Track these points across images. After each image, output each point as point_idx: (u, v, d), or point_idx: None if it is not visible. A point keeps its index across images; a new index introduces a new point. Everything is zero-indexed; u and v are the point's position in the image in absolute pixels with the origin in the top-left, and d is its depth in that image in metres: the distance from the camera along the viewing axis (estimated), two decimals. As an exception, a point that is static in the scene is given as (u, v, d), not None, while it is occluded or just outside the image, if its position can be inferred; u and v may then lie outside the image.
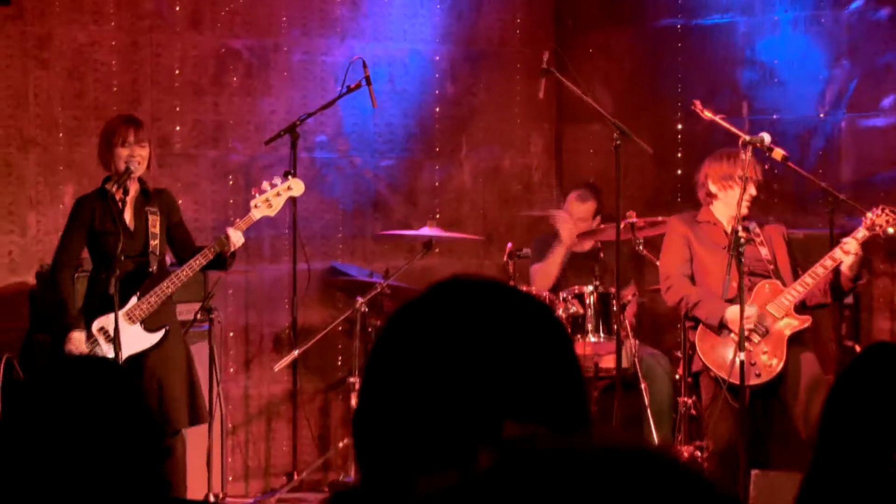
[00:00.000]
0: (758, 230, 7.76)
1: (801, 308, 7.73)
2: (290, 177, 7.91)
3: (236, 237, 7.68)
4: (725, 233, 7.69)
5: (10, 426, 3.28)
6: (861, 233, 7.52)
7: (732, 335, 7.55)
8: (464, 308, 1.75)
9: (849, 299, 8.61)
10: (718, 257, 7.69)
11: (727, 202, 7.73)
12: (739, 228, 7.36)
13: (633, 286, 9.34)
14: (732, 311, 7.52)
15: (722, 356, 7.69)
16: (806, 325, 7.65)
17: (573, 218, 9.27)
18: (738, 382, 7.52)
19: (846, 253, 7.49)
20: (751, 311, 7.56)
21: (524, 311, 1.77)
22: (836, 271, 7.61)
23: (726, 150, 7.87)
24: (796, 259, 7.95)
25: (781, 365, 7.59)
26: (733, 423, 7.45)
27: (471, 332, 1.71)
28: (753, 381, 7.48)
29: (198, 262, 7.62)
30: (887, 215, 7.50)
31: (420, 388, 1.69)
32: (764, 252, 7.73)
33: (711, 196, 7.88)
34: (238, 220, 7.75)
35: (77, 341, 7.46)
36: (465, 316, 1.73)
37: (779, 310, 7.61)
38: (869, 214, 7.56)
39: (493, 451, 1.66)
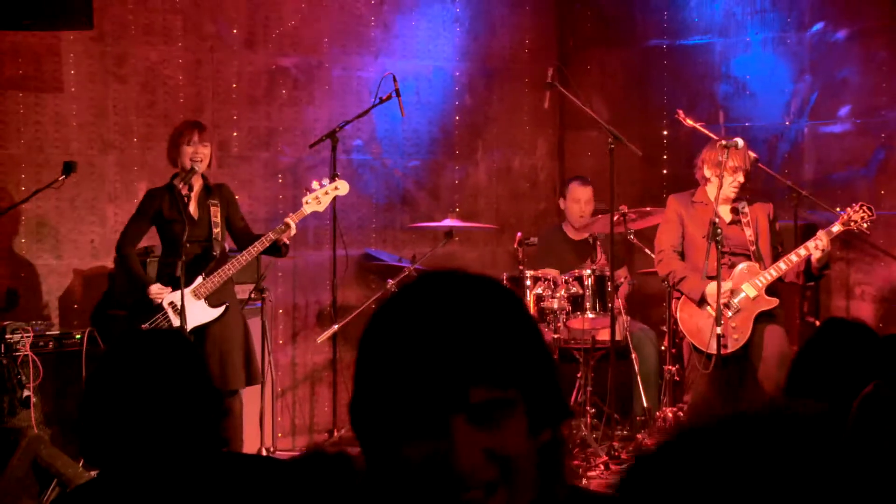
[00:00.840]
0: (746, 210, 7.74)
1: (771, 288, 7.69)
2: (337, 178, 7.92)
3: (292, 227, 7.70)
4: (715, 213, 7.64)
5: (94, 389, 3.29)
6: (836, 227, 7.47)
7: (709, 309, 7.55)
8: (430, 293, 1.75)
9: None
10: (702, 238, 7.66)
11: (716, 186, 7.66)
12: (717, 220, 7.34)
13: (626, 269, 9.34)
14: (711, 288, 7.51)
15: (696, 326, 7.70)
16: (773, 306, 7.62)
17: (579, 201, 9.29)
18: (705, 349, 7.55)
19: (816, 248, 7.45)
20: (726, 287, 7.55)
21: (483, 291, 1.76)
22: (808, 260, 7.57)
23: (716, 140, 7.82)
24: (778, 236, 7.88)
25: (745, 339, 7.57)
26: (709, 384, 7.45)
27: (434, 313, 1.70)
28: (714, 350, 7.47)
29: (256, 248, 7.64)
30: (864, 212, 7.44)
31: (395, 366, 1.69)
32: (748, 233, 7.70)
33: (706, 179, 7.84)
34: (291, 213, 7.76)
35: (157, 293, 7.50)
36: (429, 299, 1.73)
37: (752, 289, 7.58)
38: (848, 210, 7.51)
39: (464, 416, 1.67)
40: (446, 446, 1.68)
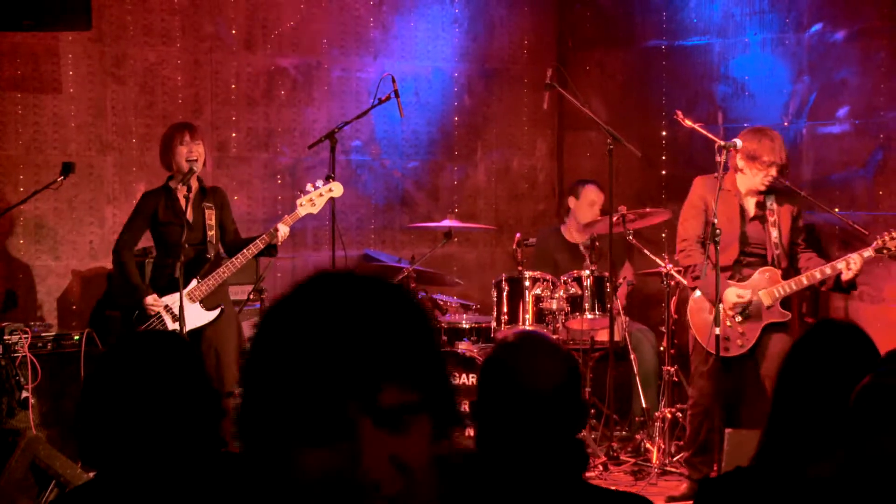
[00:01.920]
0: (774, 206, 7.59)
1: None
2: (331, 180, 7.92)
3: (284, 231, 7.70)
4: (740, 204, 7.55)
5: (93, 390, 3.31)
6: (868, 252, 7.35)
7: (721, 308, 7.44)
8: (332, 292, 1.67)
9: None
10: (728, 228, 7.50)
11: (748, 177, 7.56)
12: (715, 221, 7.29)
13: (629, 268, 9.34)
14: (729, 292, 7.42)
15: (704, 321, 7.61)
16: (785, 319, 7.50)
17: (594, 204, 9.26)
18: (709, 347, 7.49)
19: (849, 269, 7.32)
20: (745, 295, 7.45)
21: (385, 292, 1.68)
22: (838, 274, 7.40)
23: (760, 128, 7.66)
24: (798, 233, 7.73)
25: (749, 346, 7.49)
26: (713, 380, 7.42)
27: (341, 311, 1.62)
28: (722, 354, 7.41)
29: (250, 251, 7.63)
30: None
31: (298, 365, 1.58)
32: (774, 233, 7.54)
33: (738, 168, 7.65)
34: (286, 215, 7.76)
35: (151, 302, 7.51)
36: (334, 297, 1.65)
37: (768, 298, 7.47)
38: (885, 234, 7.35)
39: (371, 420, 1.57)
40: (351, 453, 1.57)
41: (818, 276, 7.36)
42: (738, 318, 7.48)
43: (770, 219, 7.56)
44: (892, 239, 7.29)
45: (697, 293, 7.69)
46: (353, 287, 1.67)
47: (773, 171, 7.48)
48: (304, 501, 1.60)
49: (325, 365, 1.57)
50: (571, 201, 9.54)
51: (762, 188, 7.50)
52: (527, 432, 2.91)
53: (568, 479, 2.95)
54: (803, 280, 7.40)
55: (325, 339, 1.59)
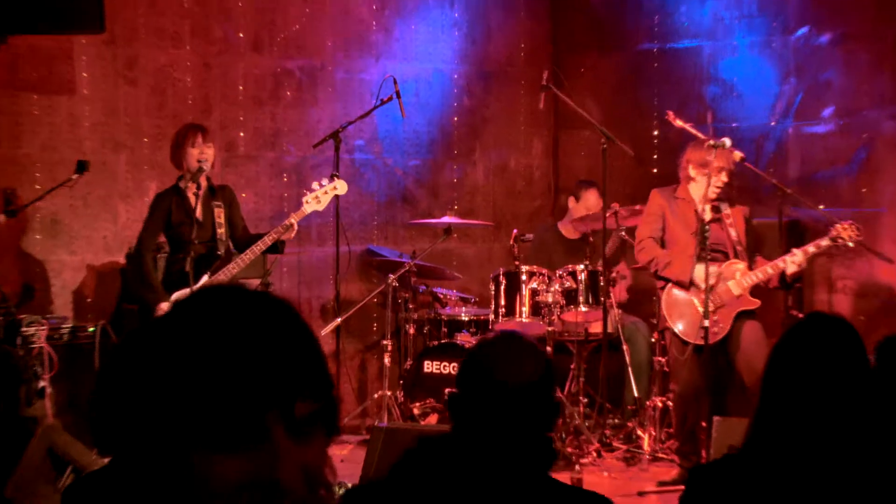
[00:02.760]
0: (728, 210, 7.69)
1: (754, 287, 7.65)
2: (335, 178, 7.93)
3: (295, 227, 7.72)
4: (695, 211, 7.61)
5: (107, 382, 3.31)
6: (825, 241, 7.39)
7: (695, 300, 7.50)
8: (242, 314, 1.67)
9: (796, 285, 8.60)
10: (685, 233, 7.60)
11: (701, 185, 7.63)
12: (706, 219, 7.33)
13: (624, 265, 9.35)
14: (699, 270, 7.46)
15: (680, 313, 7.67)
16: (754, 307, 7.56)
17: (591, 210, 9.28)
18: (686, 338, 7.55)
19: (793, 265, 7.39)
20: (714, 270, 7.49)
21: (281, 307, 1.69)
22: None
23: (705, 139, 7.76)
24: (754, 237, 7.82)
25: (724, 333, 7.53)
26: (692, 371, 7.44)
27: (258, 327, 1.64)
28: (699, 342, 7.46)
29: (258, 247, 7.65)
30: (853, 230, 7.35)
31: (223, 379, 1.59)
32: (733, 233, 7.64)
33: (689, 178, 7.76)
34: (292, 213, 7.77)
35: (164, 310, 7.51)
36: (243, 313, 1.66)
37: (737, 288, 7.54)
38: (837, 226, 7.40)
39: (283, 429, 1.58)
40: (268, 459, 1.58)
41: (769, 270, 7.44)
42: (712, 306, 7.48)
43: (727, 221, 7.64)
44: (845, 229, 7.34)
45: (673, 289, 7.74)
46: (263, 306, 1.67)
47: (724, 177, 7.55)
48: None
49: (249, 377, 1.58)
50: (571, 201, 9.55)
51: (714, 195, 7.57)
52: (499, 426, 2.94)
53: (535, 474, 2.98)
54: (768, 269, 7.46)
55: (250, 355, 1.59)
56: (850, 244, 7.41)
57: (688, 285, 7.59)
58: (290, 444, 1.59)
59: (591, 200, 9.37)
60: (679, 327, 7.65)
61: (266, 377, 1.59)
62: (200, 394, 1.59)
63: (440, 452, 2.98)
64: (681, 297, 7.67)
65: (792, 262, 7.39)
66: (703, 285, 7.40)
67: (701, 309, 7.42)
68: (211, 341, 1.61)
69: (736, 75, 9.68)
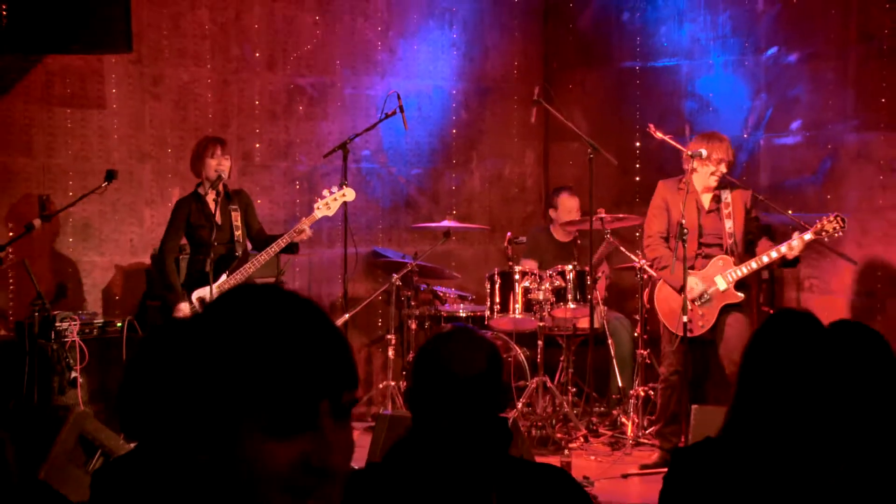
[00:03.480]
0: (728, 200, 7.59)
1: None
2: (344, 186, 7.93)
3: (308, 231, 7.71)
4: (696, 201, 7.56)
5: (133, 371, 3.31)
6: (808, 235, 7.36)
7: (691, 297, 7.47)
8: (296, 308, 1.65)
9: (765, 275, 8.59)
10: (688, 223, 7.51)
11: (701, 175, 7.57)
12: (683, 222, 7.30)
13: (606, 265, 9.34)
14: (690, 281, 7.41)
15: (670, 308, 7.65)
16: (739, 300, 7.52)
17: (571, 210, 9.27)
18: (675, 330, 7.55)
19: (792, 249, 7.34)
20: (700, 287, 7.46)
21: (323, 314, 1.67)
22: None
23: (708, 133, 7.67)
24: (752, 223, 7.71)
25: (709, 325, 7.51)
26: (679, 359, 7.42)
27: (316, 325, 1.63)
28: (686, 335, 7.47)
29: (273, 249, 7.65)
30: (837, 223, 7.32)
31: (289, 369, 1.58)
32: (728, 225, 7.54)
33: (692, 169, 7.59)
34: (304, 218, 7.77)
35: (183, 310, 7.53)
36: (303, 314, 1.65)
37: (723, 282, 7.49)
38: (823, 219, 7.36)
39: (332, 417, 1.60)
40: (320, 442, 1.58)
41: (765, 259, 7.41)
42: (699, 303, 7.49)
43: (725, 211, 7.58)
44: (830, 222, 7.31)
45: (660, 290, 7.74)
46: (310, 306, 1.67)
47: (723, 168, 7.51)
48: (265, 492, 1.59)
49: (310, 367, 1.58)
50: (552, 212, 9.57)
51: (714, 184, 7.54)
52: (452, 414, 2.94)
53: (493, 453, 2.98)
54: (753, 264, 7.44)
55: (309, 346, 1.59)
56: (837, 236, 7.37)
57: (679, 292, 7.51)
58: (337, 429, 1.60)
59: (565, 203, 9.38)
60: (666, 319, 7.65)
61: (324, 368, 1.59)
62: (265, 383, 1.57)
63: (412, 440, 2.99)
64: (669, 292, 7.65)
65: (791, 246, 7.32)
66: (691, 295, 7.40)
67: (693, 305, 7.42)
68: (273, 333, 1.60)
69: (711, 91, 9.67)
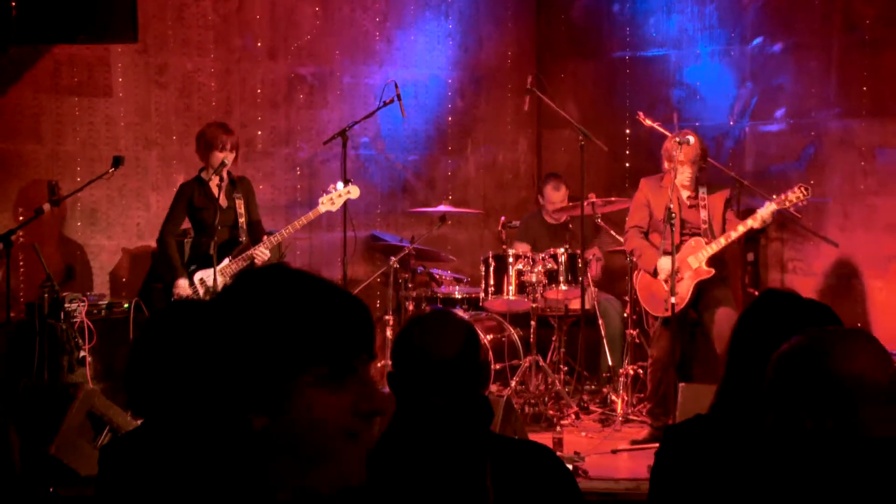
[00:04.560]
0: (704, 196, 7.64)
1: (718, 258, 7.61)
2: (350, 183, 7.92)
3: (263, 255, 7.64)
4: (677, 197, 7.58)
5: (139, 350, 3.32)
6: (772, 206, 7.38)
7: (661, 278, 7.52)
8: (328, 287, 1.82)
9: (750, 257, 8.60)
10: (662, 219, 7.55)
11: (678, 174, 7.60)
12: (671, 206, 7.31)
13: (597, 248, 9.33)
14: (662, 262, 7.48)
15: (650, 292, 7.70)
16: (710, 276, 7.53)
17: (557, 197, 9.26)
18: (654, 313, 7.63)
19: (755, 221, 7.37)
20: (675, 263, 7.52)
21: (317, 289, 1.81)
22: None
23: (677, 134, 7.69)
24: (731, 216, 7.73)
25: (685, 303, 7.53)
26: (667, 341, 7.43)
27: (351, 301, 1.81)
28: (661, 314, 7.52)
29: (276, 238, 7.69)
30: (800, 192, 7.34)
31: (340, 334, 1.76)
32: (703, 215, 7.60)
33: (667, 170, 7.69)
34: (310, 212, 7.77)
35: (182, 286, 7.52)
36: (333, 290, 1.82)
37: (695, 261, 7.53)
38: (787, 193, 7.39)
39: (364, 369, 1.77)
40: (365, 390, 1.74)
41: (733, 234, 7.44)
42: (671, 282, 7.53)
43: (700, 204, 7.61)
44: (794, 192, 7.33)
45: (638, 277, 7.81)
46: (332, 285, 1.84)
47: (688, 171, 7.53)
48: (329, 441, 1.73)
49: (356, 326, 1.78)
50: (540, 199, 9.55)
51: (686, 182, 7.56)
52: (433, 394, 2.94)
53: (475, 430, 2.97)
54: (722, 240, 7.47)
55: (355, 311, 1.80)
56: (801, 204, 7.39)
57: (653, 275, 7.60)
58: (370, 381, 1.77)
59: (549, 196, 9.34)
60: (646, 303, 7.70)
61: (363, 326, 1.79)
62: (323, 339, 1.73)
63: (397, 422, 2.99)
64: (647, 278, 7.70)
65: (754, 218, 7.35)
66: (664, 275, 7.45)
67: (666, 287, 7.44)
68: (321, 298, 1.78)
69: (699, 80, 9.65)
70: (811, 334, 2.63)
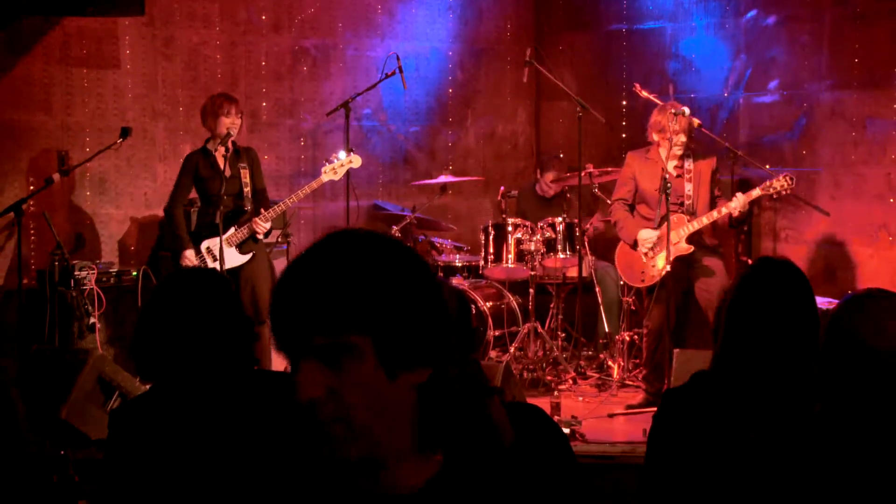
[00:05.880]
0: (690, 167, 7.60)
1: (709, 230, 7.61)
2: (351, 153, 7.89)
3: (262, 227, 7.60)
4: (663, 169, 7.55)
5: (147, 317, 3.31)
6: (756, 192, 7.36)
7: (642, 251, 7.53)
8: (313, 250, 1.74)
9: (745, 227, 8.58)
10: (652, 189, 7.56)
11: (665, 147, 7.57)
12: (666, 176, 7.29)
13: (599, 214, 9.29)
14: (642, 234, 7.51)
15: (627, 262, 7.74)
16: (689, 252, 7.50)
17: (551, 186, 9.22)
18: (630, 283, 7.82)
19: (734, 208, 7.35)
20: (653, 235, 7.51)
21: (355, 249, 1.74)
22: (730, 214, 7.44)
23: (664, 105, 7.63)
24: (716, 185, 7.70)
25: (659, 277, 7.51)
26: (661, 310, 7.42)
27: (301, 269, 1.71)
28: (639, 284, 7.57)
29: (281, 207, 7.66)
30: (786, 181, 7.32)
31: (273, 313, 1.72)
32: (688, 188, 7.57)
33: (655, 141, 7.68)
34: (313, 181, 7.74)
35: (188, 256, 7.50)
36: (307, 256, 1.73)
37: (675, 237, 7.50)
38: (772, 180, 7.38)
39: (311, 356, 1.70)
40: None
41: (715, 214, 7.43)
42: (651, 254, 7.53)
43: (686, 175, 7.58)
44: (779, 181, 7.30)
45: (619, 248, 7.84)
46: (326, 248, 1.73)
47: (682, 138, 7.49)
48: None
49: (281, 315, 1.71)
50: (538, 173, 9.49)
51: (678, 153, 7.53)
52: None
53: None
54: (704, 219, 7.45)
55: (285, 294, 1.71)
56: (784, 193, 7.37)
57: (633, 246, 7.61)
58: (316, 367, 1.69)
59: (547, 179, 9.27)
60: (623, 272, 7.77)
61: (285, 313, 1.70)
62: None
63: None
64: (626, 248, 7.74)
65: (734, 206, 7.34)
66: (645, 248, 7.47)
67: (644, 259, 7.49)
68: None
69: (694, 52, 9.61)
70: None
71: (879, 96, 8.50)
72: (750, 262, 8.23)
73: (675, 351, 6.78)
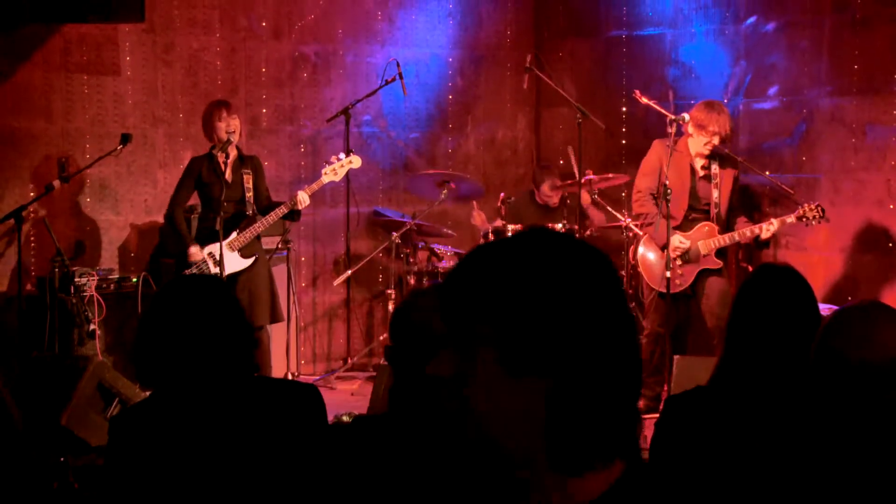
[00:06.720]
0: (717, 171, 7.58)
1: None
2: (351, 154, 7.89)
3: (303, 198, 7.68)
4: (690, 164, 7.51)
5: (148, 324, 3.30)
6: (790, 218, 7.37)
7: (672, 255, 7.48)
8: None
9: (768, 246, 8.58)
10: (678, 182, 7.48)
11: (696, 142, 7.53)
12: (667, 182, 7.27)
13: (596, 213, 9.26)
14: (674, 238, 7.42)
15: (650, 266, 7.67)
16: (718, 266, 7.50)
17: (550, 196, 9.20)
18: (653, 285, 7.62)
19: (768, 231, 7.36)
20: (686, 243, 7.47)
21: (512, 250, 1.64)
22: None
23: (711, 102, 7.58)
24: (740, 197, 7.68)
25: (686, 285, 7.49)
26: (660, 314, 7.42)
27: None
28: (659, 287, 7.52)
29: (278, 213, 7.66)
30: (817, 212, 7.34)
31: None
32: (716, 195, 7.54)
33: (689, 134, 7.59)
34: (314, 182, 7.75)
35: (194, 252, 7.51)
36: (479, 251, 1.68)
37: (706, 248, 7.47)
38: (805, 205, 7.40)
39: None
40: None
41: (748, 234, 7.42)
42: (679, 262, 7.49)
43: (714, 180, 7.55)
44: (811, 210, 7.32)
45: (643, 245, 7.73)
46: (499, 246, 1.67)
47: (716, 140, 7.46)
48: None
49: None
50: (534, 184, 9.46)
51: (706, 152, 7.50)
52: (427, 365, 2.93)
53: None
54: (735, 236, 7.43)
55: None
56: (814, 223, 7.40)
57: (662, 248, 7.53)
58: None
59: (544, 190, 9.26)
60: (647, 274, 7.67)
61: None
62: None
63: (399, 393, 2.97)
64: (652, 250, 7.65)
65: (767, 229, 7.36)
66: (675, 254, 7.44)
67: (670, 260, 7.43)
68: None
69: (694, 59, 9.61)
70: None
71: (879, 102, 8.50)
72: (750, 268, 8.24)
73: (676, 357, 6.77)
